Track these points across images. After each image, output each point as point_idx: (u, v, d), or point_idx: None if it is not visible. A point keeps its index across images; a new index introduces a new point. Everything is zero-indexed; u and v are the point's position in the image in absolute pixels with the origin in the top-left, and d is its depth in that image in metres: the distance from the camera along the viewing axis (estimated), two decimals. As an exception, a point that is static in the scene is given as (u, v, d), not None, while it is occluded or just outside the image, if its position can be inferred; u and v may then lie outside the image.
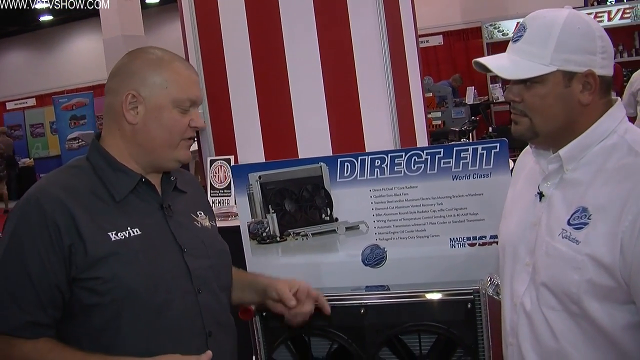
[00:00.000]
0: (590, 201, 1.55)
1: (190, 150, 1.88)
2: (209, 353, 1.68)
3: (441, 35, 13.63)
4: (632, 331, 1.53)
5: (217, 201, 3.99)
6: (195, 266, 1.80)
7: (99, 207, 1.71)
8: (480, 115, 10.56)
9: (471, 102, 11.27)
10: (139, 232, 1.73)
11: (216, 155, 4.14)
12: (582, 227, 1.55)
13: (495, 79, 13.39)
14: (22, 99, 17.61)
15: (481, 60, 1.69)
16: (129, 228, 1.71)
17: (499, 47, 13.70)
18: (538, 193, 1.69)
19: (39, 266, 1.63)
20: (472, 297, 2.04)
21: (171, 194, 1.87)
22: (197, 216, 1.92)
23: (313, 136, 3.86)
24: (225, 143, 4.14)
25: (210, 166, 4.12)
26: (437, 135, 8.08)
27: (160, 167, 1.83)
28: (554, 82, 1.59)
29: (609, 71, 1.60)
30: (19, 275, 1.64)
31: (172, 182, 1.88)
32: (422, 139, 4.22)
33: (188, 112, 1.79)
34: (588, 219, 1.54)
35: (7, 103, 16.99)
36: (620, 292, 1.50)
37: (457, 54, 14.92)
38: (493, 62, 1.67)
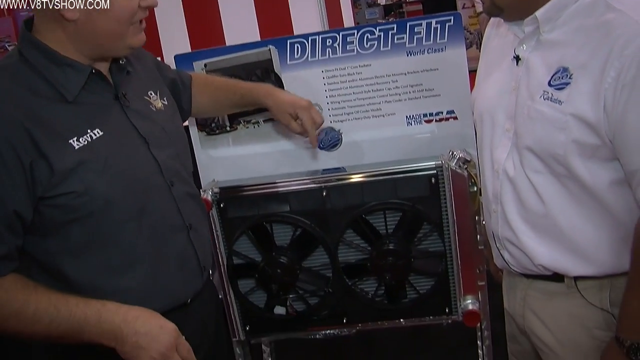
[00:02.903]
0: (571, 60, 1.53)
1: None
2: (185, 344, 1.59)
3: None
4: (617, 188, 1.54)
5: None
6: (163, 157, 1.69)
7: (51, 112, 1.51)
8: (393, 14, 10.48)
9: (384, 3, 11.17)
10: (101, 133, 1.56)
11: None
12: (563, 87, 1.52)
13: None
14: None
15: None
16: (89, 130, 1.55)
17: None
18: (514, 57, 1.65)
19: None
20: (435, 172, 2.01)
21: (122, 80, 1.70)
22: (150, 98, 1.78)
23: (239, 23, 3.74)
24: (148, 39, 3.97)
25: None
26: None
27: (110, 57, 1.65)
28: None
29: None
30: None
31: (122, 66, 1.70)
32: (349, 22, 4.15)
33: None
34: (569, 78, 1.52)
35: None
36: (605, 150, 1.50)
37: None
38: None
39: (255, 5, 3.73)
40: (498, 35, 1.79)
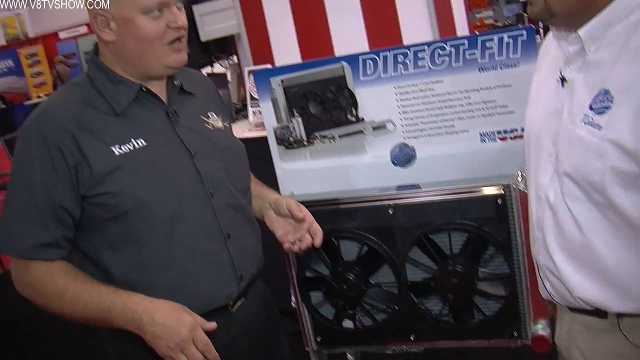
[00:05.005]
0: (613, 82, 1.42)
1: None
2: (214, 324, 1.71)
3: None
4: None
5: (257, 112, 3.94)
6: (206, 169, 1.80)
7: (100, 122, 1.71)
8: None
9: (524, -1, 10.81)
10: (144, 143, 1.73)
11: (254, 65, 4.10)
12: (604, 112, 1.42)
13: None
14: (74, 27, 17.63)
15: None
16: (132, 140, 1.72)
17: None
18: (560, 78, 1.56)
19: (42, 189, 1.66)
20: (502, 192, 1.97)
21: (178, 99, 1.84)
22: (209, 118, 1.90)
23: (349, 36, 3.78)
24: (262, 51, 4.11)
25: (249, 76, 4.08)
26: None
27: (153, 76, 1.79)
28: None
29: None
30: (24, 199, 1.68)
31: (176, 85, 1.85)
32: (462, 29, 4.08)
33: (162, 14, 1.71)
34: (610, 102, 1.41)
35: (59, 32, 16.96)
36: None
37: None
38: None
39: (363, 14, 3.75)
40: (549, 54, 1.70)
